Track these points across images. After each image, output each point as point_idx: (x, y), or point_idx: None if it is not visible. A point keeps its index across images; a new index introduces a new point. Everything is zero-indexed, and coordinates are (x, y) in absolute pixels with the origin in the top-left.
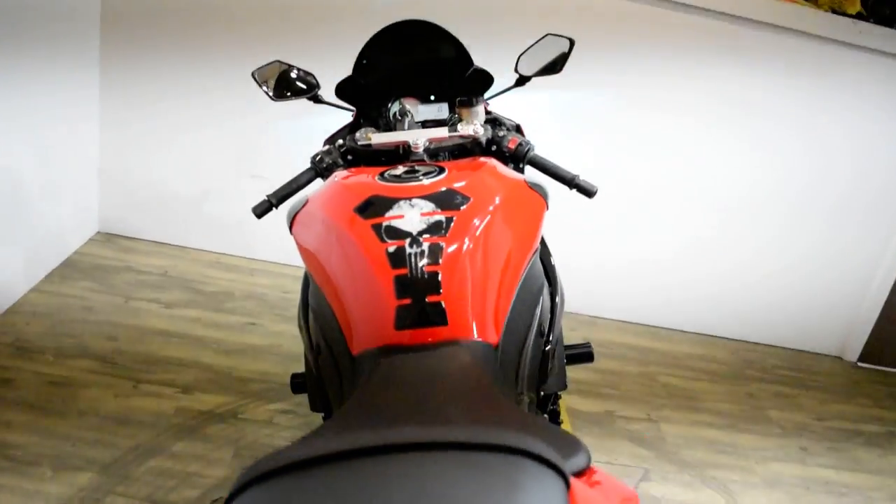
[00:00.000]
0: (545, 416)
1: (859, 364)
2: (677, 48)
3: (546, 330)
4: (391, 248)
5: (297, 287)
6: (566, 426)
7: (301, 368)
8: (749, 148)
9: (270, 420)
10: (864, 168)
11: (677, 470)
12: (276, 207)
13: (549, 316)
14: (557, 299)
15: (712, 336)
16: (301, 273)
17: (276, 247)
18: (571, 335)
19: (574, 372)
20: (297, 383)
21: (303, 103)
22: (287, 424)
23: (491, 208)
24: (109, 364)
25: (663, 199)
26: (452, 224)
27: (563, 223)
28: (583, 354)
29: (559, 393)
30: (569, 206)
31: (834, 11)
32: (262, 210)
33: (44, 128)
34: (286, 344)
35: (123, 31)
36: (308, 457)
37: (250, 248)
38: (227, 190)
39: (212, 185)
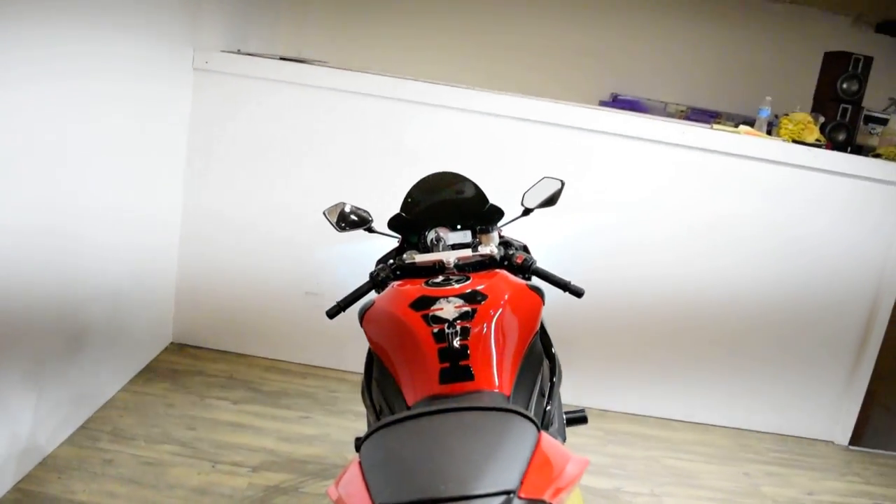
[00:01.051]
0: None
1: (850, 447)
2: (661, 177)
3: (547, 394)
4: (435, 330)
5: (342, 387)
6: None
7: (362, 432)
8: (727, 257)
9: (326, 495)
10: (833, 265)
11: None
12: (344, 310)
13: (549, 384)
14: (556, 369)
15: (711, 425)
16: (347, 377)
17: (323, 353)
18: (583, 427)
19: (584, 454)
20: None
21: (357, 234)
22: None
23: (502, 302)
24: (190, 448)
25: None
26: (476, 314)
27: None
28: (579, 418)
29: None
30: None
31: (795, 142)
32: (333, 312)
33: (132, 247)
34: (334, 433)
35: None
36: (398, 418)
37: (300, 354)
38: (283, 305)
39: (270, 300)
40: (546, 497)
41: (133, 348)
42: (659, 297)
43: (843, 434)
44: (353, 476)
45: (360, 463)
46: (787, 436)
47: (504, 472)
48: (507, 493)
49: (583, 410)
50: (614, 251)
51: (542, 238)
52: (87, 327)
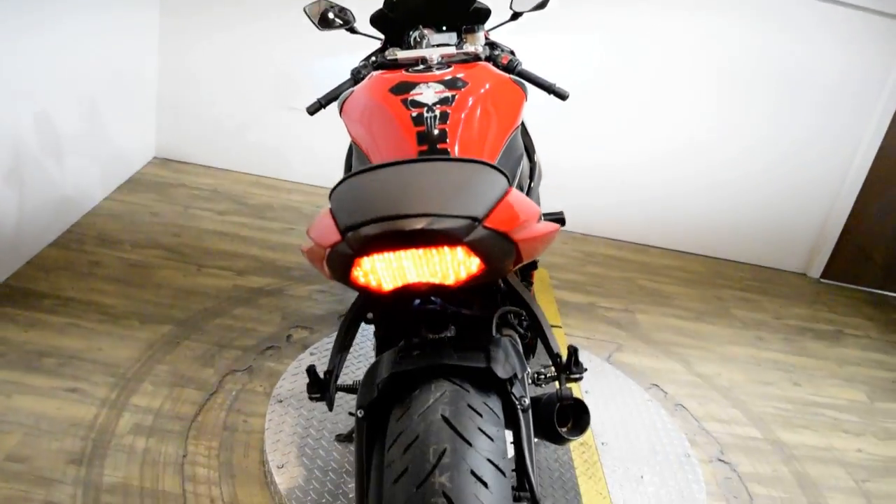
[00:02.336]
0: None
1: (822, 280)
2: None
3: (526, 191)
4: (414, 114)
5: (327, 203)
6: (551, 307)
7: None
8: (717, 93)
9: (310, 296)
10: (831, 98)
11: (646, 346)
12: (325, 107)
13: (528, 182)
14: (536, 171)
15: (689, 253)
16: (326, 191)
17: (308, 171)
18: (564, 248)
19: (564, 273)
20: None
21: (337, 43)
22: (324, 300)
23: (482, 91)
24: (176, 253)
25: (649, 132)
26: (456, 99)
27: (567, 155)
28: (557, 219)
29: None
30: (571, 145)
31: None
32: (314, 108)
33: (111, 58)
34: None
35: None
36: (370, 167)
37: (286, 170)
38: (266, 120)
39: (254, 116)
40: (512, 233)
41: (116, 159)
42: (647, 130)
43: (816, 268)
44: (322, 217)
45: (329, 208)
46: (763, 267)
47: (471, 202)
48: (473, 219)
49: (561, 212)
50: (603, 76)
51: (530, 52)
52: (66, 133)
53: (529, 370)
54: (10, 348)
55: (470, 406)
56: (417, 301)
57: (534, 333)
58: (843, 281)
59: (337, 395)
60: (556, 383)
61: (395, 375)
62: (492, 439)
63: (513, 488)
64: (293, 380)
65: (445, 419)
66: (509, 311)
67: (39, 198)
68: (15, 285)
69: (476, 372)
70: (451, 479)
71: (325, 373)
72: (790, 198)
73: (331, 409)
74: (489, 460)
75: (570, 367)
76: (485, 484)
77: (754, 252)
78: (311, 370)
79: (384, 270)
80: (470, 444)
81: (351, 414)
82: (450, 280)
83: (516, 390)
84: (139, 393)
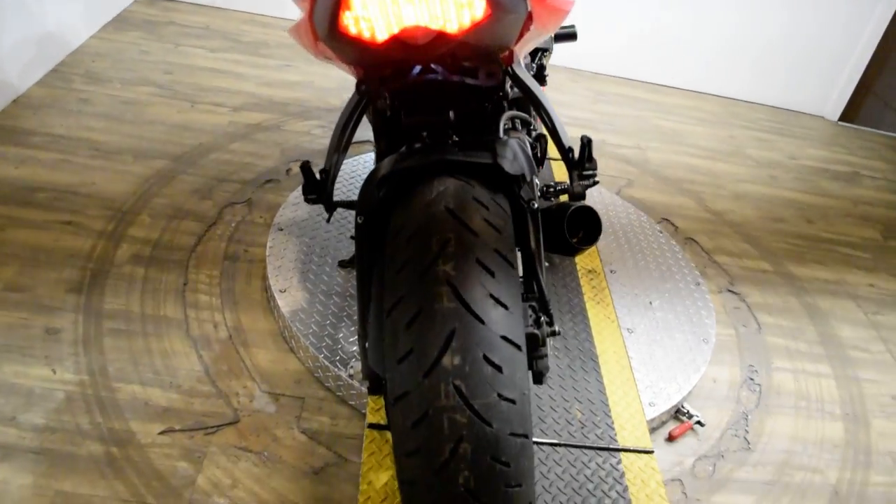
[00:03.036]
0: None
1: (840, 123)
2: None
3: None
4: None
5: None
6: None
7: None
8: None
9: (308, 132)
10: None
11: (657, 182)
12: None
13: None
14: None
15: (704, 93)
16: None
17: None
18: (574, 86)
19: (573, 110)
20: None
21: None
22: (323, 135)
23: None
24: (168, 90)
25: None
26: None
27: None
28: (568, 34)
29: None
30: None
31: None
32: None
33: None
34: (318, 81)
35: None
36: None
37: (281, 8)
38: None
39: None
40: None
41: None
42: None
43: (833, 110)
44: None
45: None
46: (779, 108)
47: None
48: None
49: (573, 26)
50: None
51: None
52: None
53: (538, 175)
54: (3, 184)
55: (476, 199)
56: (417, 70)
57: (545, 128)
58: (861, 124)
59: (338, 221)
60: (568, 181)
61: (397, 174)
62: (499, 231)
63: (522, 296)
64: (294, 209)
65: (450, 210)
66: (517, 116)
67: (21, 35)
68: (2, 123)
69: (482, 168)
70: (455, 268)
71: (321, 171)
72: (811, 38)
73: (328, 211)
74: (496, 251)
75: (582, 162)
76: (491, 273)
77: (771, 93)
78: (305, 168)
79: (378, 10)
80: (476, 234)
81: (352, 238)
82: (452, 27)
83: (524, 192)
84: (136, 225)
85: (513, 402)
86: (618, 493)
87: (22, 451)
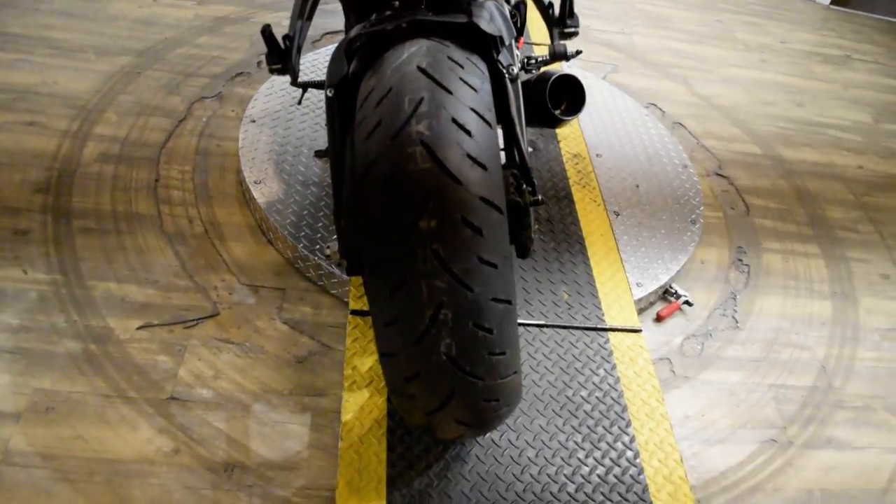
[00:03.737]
0: None
1: (831, 6)
2: None
3: None
4: None
5: None
6: None
7: None
8: None
9: (279, 23)
10: None
11: (643, 67)
12: None
13: None
14: None
15: None
16: None
17: None
18: None
19: None
20: None
21: None
22: None
23: None
24: None
25: None
26: None
27: None
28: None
29: None
30: None
31: None
32: None
33: None
34: None
35: None
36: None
37: None
38: None
39: None
40: None
41: None
42: None
43: None
44: None
45: None
46: None
47: None
48: None
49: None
50: None
51: None
52: None
53: (517, 42)
54: None
55: (450, 58)
56: None
57: None
58: (854, 8)
59: (314, 111)
60: (549, 39)
61: (366, 38)
62: (475, 90)
63: (503, 167)
64: (266, 100)
65: (422, 69)
66: None
67: None
68: None
69: (457, 29)
70: (429, 127)
71: (285, 38)
72: None
73: (294, 82)
74: (472, 109)
75: (563, 19)
76: (468, 132)
77: None
78: (266, 33)
79: None
80: (450, 92)
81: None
82: None
83: (503, 57)
84: (102, 123)
85: (494, 266)
86: (606, 371)
87: None
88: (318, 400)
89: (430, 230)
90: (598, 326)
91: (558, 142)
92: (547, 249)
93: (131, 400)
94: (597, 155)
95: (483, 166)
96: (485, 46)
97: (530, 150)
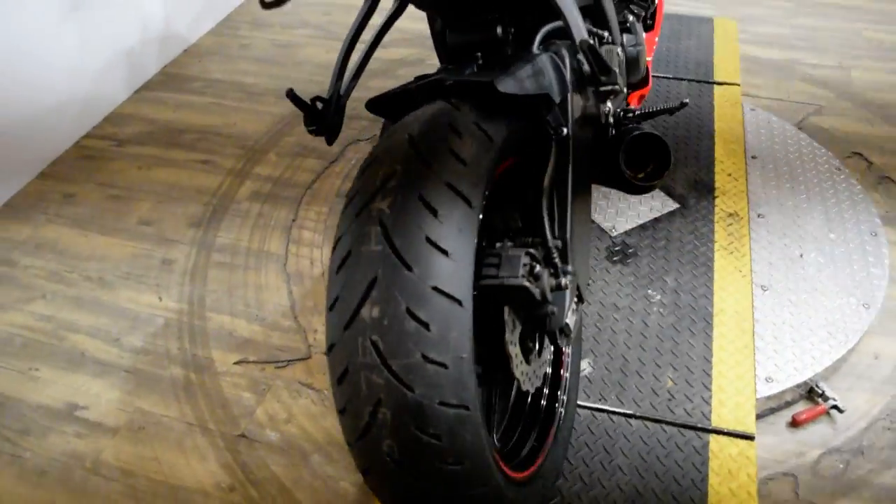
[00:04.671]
0: None
1: None
2: None
3: None
4: None
5: None
6: (732, 62)
7: None
8: None
9: None
10: None
11: (855, 108)
12: None
13: None
14: None
15: None
16: None
17: None
18: None
19: (762, 26)
20: None
21: None
22: None
23: None
24: (323, 31)
25: None
26: None
27: None
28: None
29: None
30: None
31: None
32: None
33: None
34: None
35: None
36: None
37: None
38: None
39: None
40: None
41: None
42: None
43: None
44: None
45: None
46: None
47: None
48: None
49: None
50: None
51: None
52: None
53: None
54: (158, 127)
55: (452, 125)
56: None
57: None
58: None
59: None
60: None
61: (384, 100)
62: (463, 162)
63: (525, 244)
64: None
65: (410, 138)
66: (559, 27)
67: None
68: (170, 72)
69: (480, 89)
70: (392, 205)
71: (318, 100)
72: None
73: (329, 142)
74: (449, 184)
75: (595, 76)
76: (434, 211)
77: None
78: (290, 96)
79: None
80: (428, 166)
81: None
82: None
83: (553, 117)
84: (263, 163)
85: (443, 365)
86: (692, 481)
87: (117, 370)
88: None
89: (371, 320)
90: (699, 425)
91: (714, 197)
92: (662, 325)
93: (209, 431)
94: (758, 215)
95: (444, 251)
96: (531, 109)
97: (674, 207)
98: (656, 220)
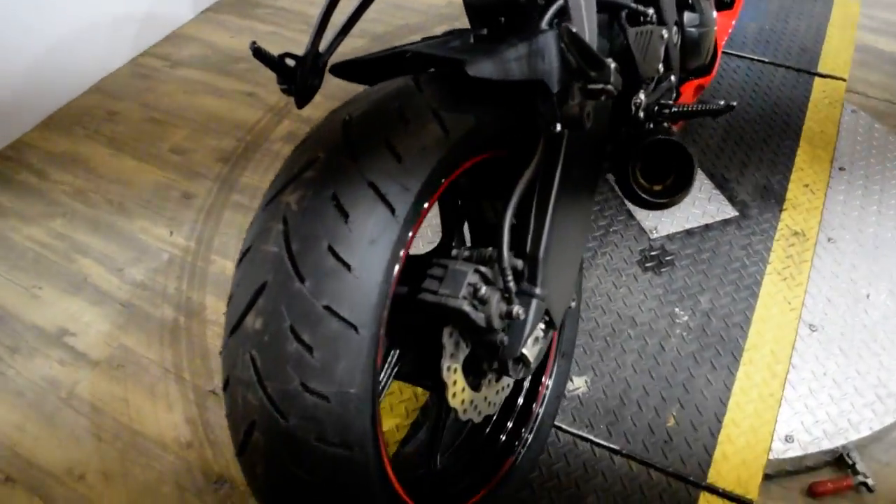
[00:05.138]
0: None
1: None
2: None
3: None
4: None
5: None
6: (845, 52)
7: None
8: None
9: None
10: None
11: None
12: None
13: None
14: None
15: None
16: None
17: None
18: None
19: (882, 11)
20: None
21: None
22: None
23: None
24: None
25: None
26: None
27: None
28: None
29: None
30: None
31: None
32: None
33: None
34: None
35: None
36: None
37: None
38: None
39: None
40: None
41: None
42: None
43: None
44: None
45: None
46: None
47: None
48: None
49: None
50: None
51: None
52: None
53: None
54: (214, 52)
55: (400, 111)
56: None
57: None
58: None
59: None
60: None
61: (349, 66)
62: (398, 159)
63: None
64: None
65: (346, 121)
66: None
67: None
68: None
69: (452, 66)
70: (299, 201)
71: (289, 56)
72: None
73: (299, 104)
74: (372, 184)
75: (582, 70)
76: (345, 215)
77: None
78: (254, 49)
79: None
80: (353, 160)
81: None
82: None
83: (546, 108)
84: None
85: (324, 398)
86: None
87: (112, 301)
88: None
89: (254, 332)
90: (691, 478)
91: (782, 210)
92: (681, 353)
93: (182, 381)
94: (829, 239)
95: (346, 264)
96: (510, 94)
97: (732, 213)
98: (707, 226)
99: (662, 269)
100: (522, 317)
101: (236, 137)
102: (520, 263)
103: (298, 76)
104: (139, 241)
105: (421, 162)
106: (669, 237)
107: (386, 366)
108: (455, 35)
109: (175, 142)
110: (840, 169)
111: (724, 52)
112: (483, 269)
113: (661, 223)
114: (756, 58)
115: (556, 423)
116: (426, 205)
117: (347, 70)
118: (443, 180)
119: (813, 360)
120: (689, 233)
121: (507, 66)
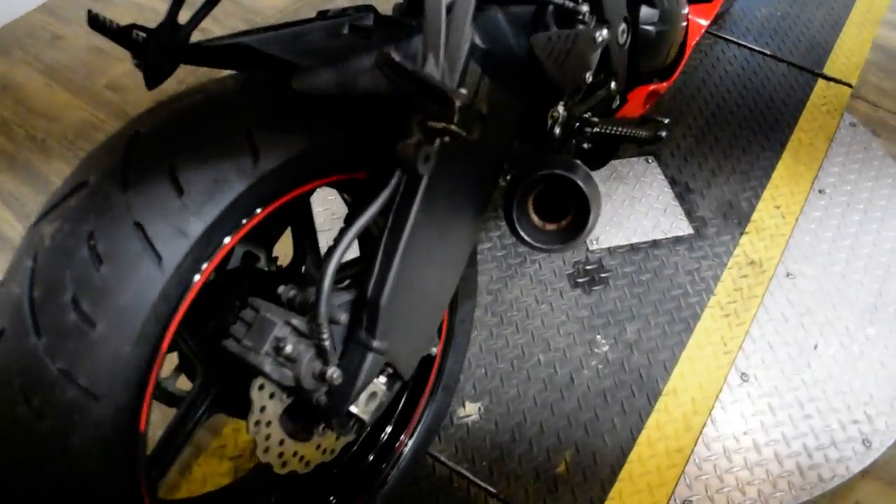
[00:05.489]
0: None
1: None
2: None
3: None
4: None
5: None
6: (858, 54)
7: None
8: None
9: None
10: None
11: None
12: None
13: None
14: None
15: None
16: None
17: None
18: None
19: None
20: None
21: None
22: None
23: None
24: None
25: None
26: None
27: None
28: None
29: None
30: None
31: None
32: None
33: None
34: None
35: None
36: None
37: None
38: None
39: None
40: None
41: None
42: None
43: None
44: None
45: None
46: None
47: None
48: None
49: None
50: None
51: None
52: None
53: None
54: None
55: (202, 126)
56: None
57: None
58: None
59: None
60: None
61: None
62: (179, 192)
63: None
64: None
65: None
66: None
67: None
68: None
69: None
70: (54, 235)
71: (128, 27)
72: None
73: (150, 85)
74: (138, 224)
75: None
76: (97, 260)
77: None
78: (91, 18)
79: None
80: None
81: None
82: None
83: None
84: None
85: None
86: None
87: (13, 250)
88: None
89: None
90: None
91: (742, 233)
92: (591, 389)
93: None
94: (788, 274)
95: (90, 321)
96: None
97: (686, 231)
98: (655, 243)
99: (594, 288)
100: (339, 381)
101: (178, 78)
102: (351, 309)
103: (150, 53)
104: (52, 186)
105: (209, 198)
106: (610, 251)
107: (204, 402)
108: (332, 20)
109: (114, 77)
110: (820, 191)
111: (722, 38)
112: (296, 321)
113: (605, 233)
114: (757, 48)
115: (435, 452)
116: (220, 247)
117: (200, 55)
118: (250, 217)
119: (736, 418)
120: (633, 248)
121: (354, 77)
